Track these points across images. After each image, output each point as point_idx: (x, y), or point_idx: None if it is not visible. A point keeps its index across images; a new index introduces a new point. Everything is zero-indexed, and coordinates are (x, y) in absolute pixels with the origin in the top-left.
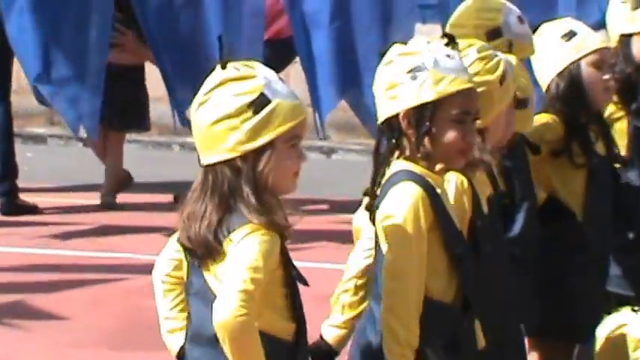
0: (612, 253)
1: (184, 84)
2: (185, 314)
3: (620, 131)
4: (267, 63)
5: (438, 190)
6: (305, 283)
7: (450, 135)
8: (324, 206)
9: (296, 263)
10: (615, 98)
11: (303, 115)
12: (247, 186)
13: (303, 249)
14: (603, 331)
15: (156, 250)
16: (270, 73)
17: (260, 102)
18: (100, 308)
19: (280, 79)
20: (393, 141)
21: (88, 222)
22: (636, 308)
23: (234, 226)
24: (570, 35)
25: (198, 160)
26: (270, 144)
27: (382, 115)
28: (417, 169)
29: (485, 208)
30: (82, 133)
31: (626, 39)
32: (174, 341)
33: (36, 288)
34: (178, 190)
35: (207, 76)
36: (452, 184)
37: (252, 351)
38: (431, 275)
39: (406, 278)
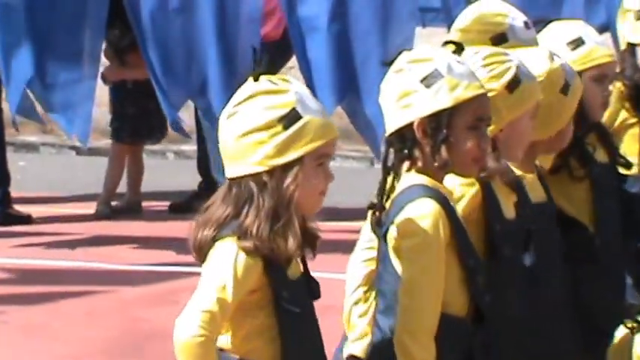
0: (625, 262)
1: (177, 90)
2: None
3: (633, 137)
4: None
5: (452, 203)
6: (314, 297)
7: (467, 142)
8: (320, 213)
9: None
10: (627, 104)
11: (333, 135)
12: (270, 201)
13: None
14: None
15: (151, 260)
16: (302, 89)
17: (291, 117)
18: (95, 319)
19: (313, 96)
20: (405, 151)
21: (82, 232)
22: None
23: (223, 232)
24: (577, 44)
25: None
26: (298, 160)
27: (393, 125)
28: (430, 182)
29: (508, 213)
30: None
31: (632, 48)
32: None
33: (30, 299)
34: (173, 198)
35: (199, 83)
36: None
37: None
38: (446, 289)
39: (424, 297)
